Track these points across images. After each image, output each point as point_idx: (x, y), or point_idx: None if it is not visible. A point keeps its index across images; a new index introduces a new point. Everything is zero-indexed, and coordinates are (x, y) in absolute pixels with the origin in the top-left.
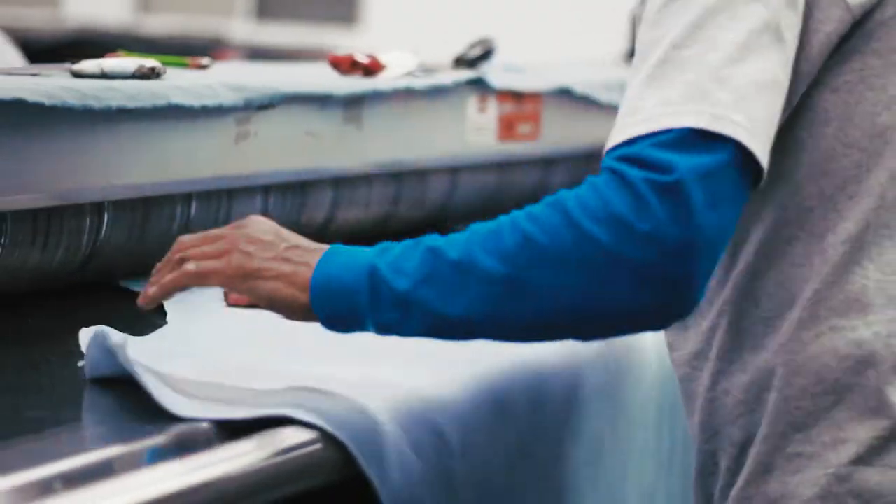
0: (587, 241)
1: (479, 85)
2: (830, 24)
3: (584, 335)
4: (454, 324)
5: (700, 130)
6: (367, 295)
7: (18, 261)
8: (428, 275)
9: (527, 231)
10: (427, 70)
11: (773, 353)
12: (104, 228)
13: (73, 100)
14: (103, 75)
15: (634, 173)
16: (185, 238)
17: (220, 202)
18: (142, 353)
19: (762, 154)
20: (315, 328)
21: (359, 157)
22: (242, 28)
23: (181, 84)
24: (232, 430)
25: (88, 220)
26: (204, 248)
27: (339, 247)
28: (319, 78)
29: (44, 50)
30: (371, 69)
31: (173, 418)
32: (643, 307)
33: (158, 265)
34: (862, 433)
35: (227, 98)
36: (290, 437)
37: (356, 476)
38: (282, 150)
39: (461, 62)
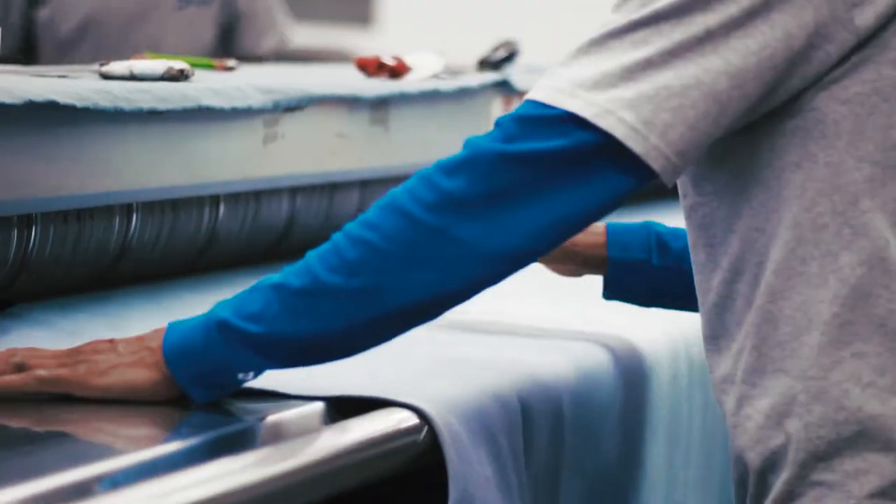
0: (427, 232)
1: (503, 87)
2: (833, 45)
3: (440, 313)
4: (316, 346)
5: (581, 118)
6: (223, 347)
7: (48, 262)
8: (279, 310)
9: (366, 240)
10: (452, 72)
11: (794, 379)
12: (133, 230)
13: (103, 102)
14: (132, 77)
15: (494, 148)
16: (17, 349)
17: (247, 204)
18: None
19: (654, 157)
20: None
21: (385, 158)
22: None
23: (211, 86)
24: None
25: (117, 222)
26: (45, 360)
27: (177, 321)
28: (346, 80)
29: None
30: (397, 71)
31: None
32: (490, 278)
33: None
34: (886, 465)
35: (256, 100)
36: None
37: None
38: (309, 152)
39: (485, 64)
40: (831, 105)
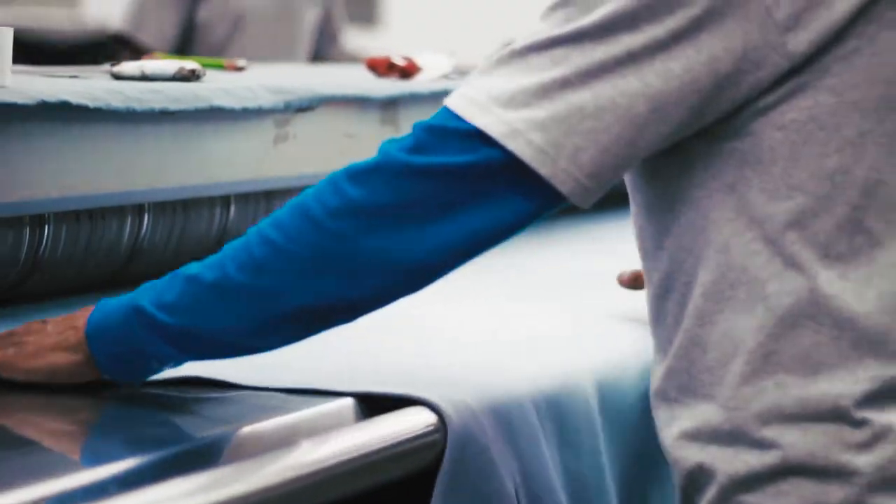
0: (329, 238)
1: None
2: (764, 70)
3: (352, 318)
4: (225, 342)
5: (489, 136)
6: (138, 332)
7: (59, 262)
8: (190, 303)
9: (273, 240)
10: (462, 72)
11: (719, 407)
12: (144, 230)
13: (116, 102)
14: (144, 77)
15: (401, 159)
16: None
17: (258, 205)
18: None
19: (562, 179)
20: None
21: None
22: None
23: (222, 86)
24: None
25: (129, 221)
26: None
27: (106, 299)
28: (357, 80)
29: (64, 51)
30: (407, 71)
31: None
32: (395, 289)
33: None
34: (807, 487)
35: (267, 100)
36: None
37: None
38: (320, 153)
39: None
40: (768, 131)
